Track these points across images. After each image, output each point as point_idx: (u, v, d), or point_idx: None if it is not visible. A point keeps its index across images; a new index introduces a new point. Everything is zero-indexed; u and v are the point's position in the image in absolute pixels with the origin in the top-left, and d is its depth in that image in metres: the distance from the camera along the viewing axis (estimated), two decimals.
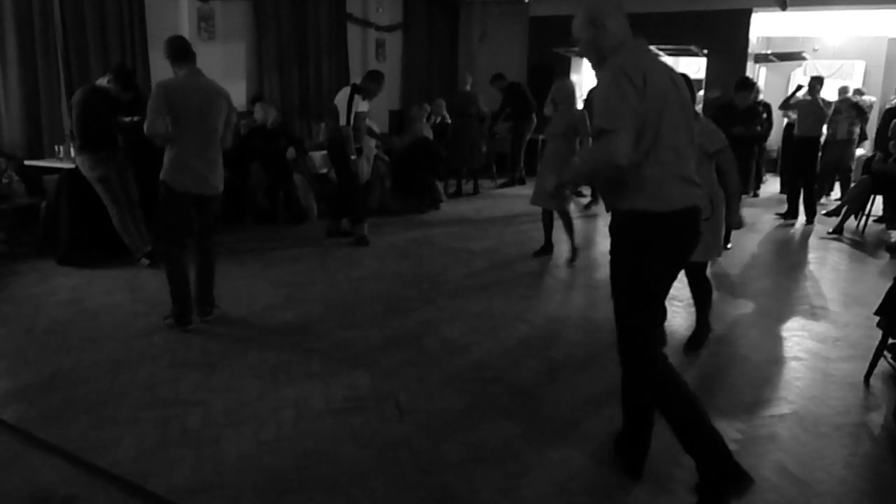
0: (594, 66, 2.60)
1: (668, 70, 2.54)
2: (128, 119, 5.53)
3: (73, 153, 5.57)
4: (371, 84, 6.48)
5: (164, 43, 4.09)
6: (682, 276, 5.49)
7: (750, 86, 6.73)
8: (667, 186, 2.41)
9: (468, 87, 9.78)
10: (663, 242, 2.47)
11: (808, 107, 8.38)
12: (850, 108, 9.10)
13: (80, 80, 6.31)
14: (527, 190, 10.27)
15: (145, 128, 3.97)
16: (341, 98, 6.35)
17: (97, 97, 5.32)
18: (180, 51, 4.04)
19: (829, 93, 10.29)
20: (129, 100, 5.50)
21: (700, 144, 3.56)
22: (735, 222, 3.97)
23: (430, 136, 8.61)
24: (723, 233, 4.25)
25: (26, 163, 5.99)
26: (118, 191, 5.42)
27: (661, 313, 2.68)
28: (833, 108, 9.09)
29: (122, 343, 3.99)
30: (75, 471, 2.70)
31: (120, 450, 2.83)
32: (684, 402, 2.47)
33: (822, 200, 9.56)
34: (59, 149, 6.15)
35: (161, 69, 7.15)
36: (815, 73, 10.08)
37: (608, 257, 2.58)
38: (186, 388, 3.43)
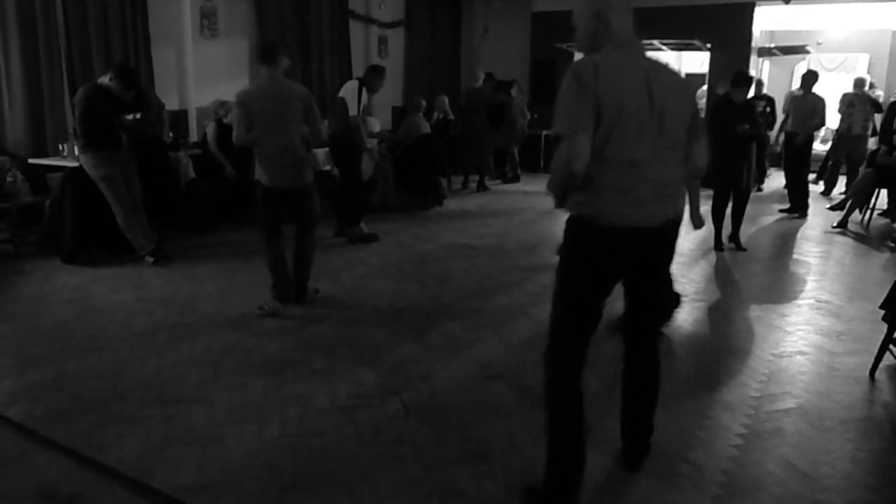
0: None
1: (656, 73, 2.32)
2: (130, 117, 5.54)
3: (76, 151, 5.58)
4: (375, 78, 6.48)
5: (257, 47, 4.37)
6: (683, 271, 5.52)
7: (747, 81, 6.39)
8: (611, 200, 2.25)
9: (478, 84, 9.71)
10: (598, 256, 2.34)
11: (801, 102, 8.32)
12: (866, 102, 8.99)
13: (83, 78, 6.31)
14: (527, 186, 10.29)
15: (234, 138, 4.41)
16: (350, 91, 6.32)
17: (100, 95, 5.32)
18: (261, 54, 4.55)
19: (835, 86, 10.21)
20: (131, 98, 5.51)
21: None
22: (697, 223, 4.26)
23: (428, 130, 8.56)
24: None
25: (30, 161, 6.01)
26: (122, 189, 5.43)
27: (590, 326, 2.44)
28: (847, 101, 9.02)
29: (126, 341, 4.00)
30: (80, 469, 2.70)
31: (125, 447, 2.84)
32: (564, 424, 2.43)
33: (832, 194, 9.53)
34: (62, 147, 6.17)
35: (163, 67, 7.20)
36: (813, 68, 10.02)
37: None
38: (191, 386, 3.44)
